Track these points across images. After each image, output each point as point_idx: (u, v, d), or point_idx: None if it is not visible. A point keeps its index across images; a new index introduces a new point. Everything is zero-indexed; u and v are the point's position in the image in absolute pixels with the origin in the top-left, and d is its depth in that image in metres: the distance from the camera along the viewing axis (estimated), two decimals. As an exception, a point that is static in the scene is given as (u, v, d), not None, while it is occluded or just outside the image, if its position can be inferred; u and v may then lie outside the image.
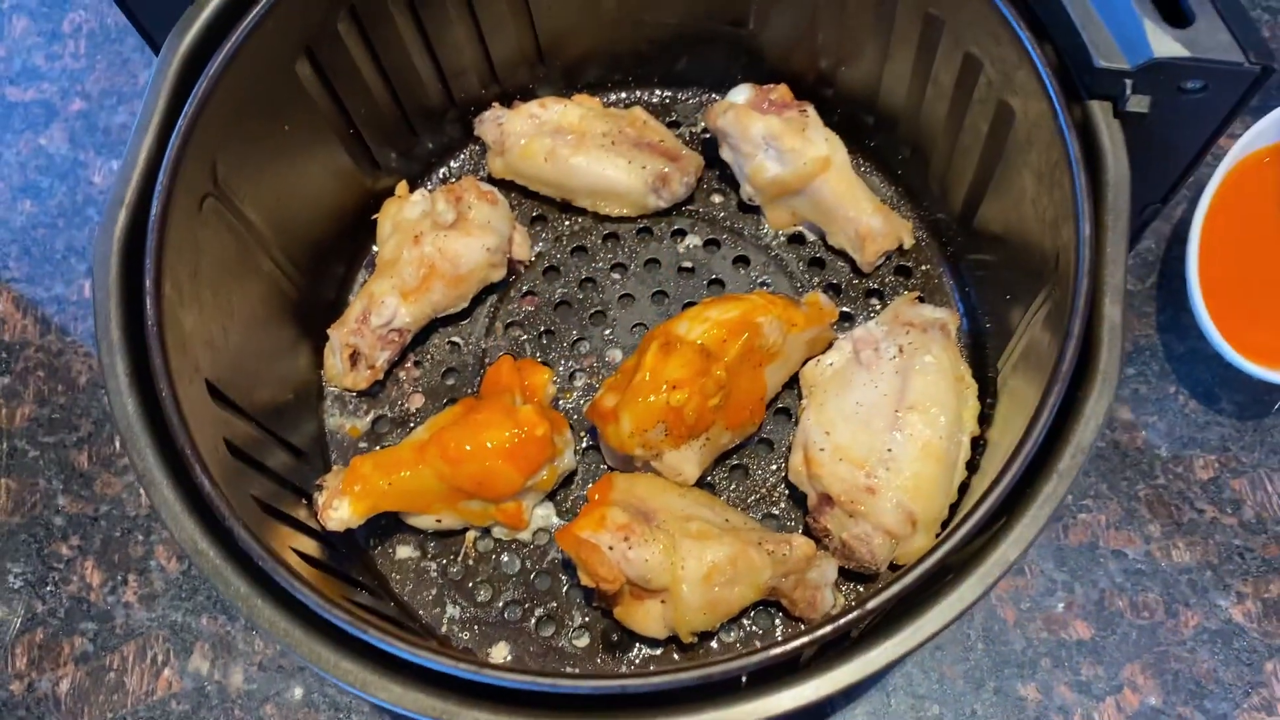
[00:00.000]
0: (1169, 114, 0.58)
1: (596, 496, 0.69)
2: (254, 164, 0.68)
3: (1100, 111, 0.58)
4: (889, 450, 0.68)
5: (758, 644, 0.69)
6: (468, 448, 0.68)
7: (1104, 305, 0.54)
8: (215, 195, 0.64)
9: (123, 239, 0.59)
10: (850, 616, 0.48)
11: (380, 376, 0.78)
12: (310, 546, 0.65)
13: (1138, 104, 0.57)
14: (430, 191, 0.80)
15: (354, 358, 0.76)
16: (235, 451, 0.62)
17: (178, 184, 0.60)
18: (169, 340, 0.57)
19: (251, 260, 0.70)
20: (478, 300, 0.81)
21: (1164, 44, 0.55)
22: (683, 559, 0.65)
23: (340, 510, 0.68)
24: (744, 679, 0.50)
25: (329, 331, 0.77)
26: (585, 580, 0.65)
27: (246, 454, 0.63)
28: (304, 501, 0.70)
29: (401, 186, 0.82)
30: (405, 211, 0.78)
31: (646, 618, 0.67)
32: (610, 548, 0.65)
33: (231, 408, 0.64)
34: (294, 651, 0.51)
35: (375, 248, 0.81)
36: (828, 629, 0.48)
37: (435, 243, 0.75)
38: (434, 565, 0.73)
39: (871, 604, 0.49)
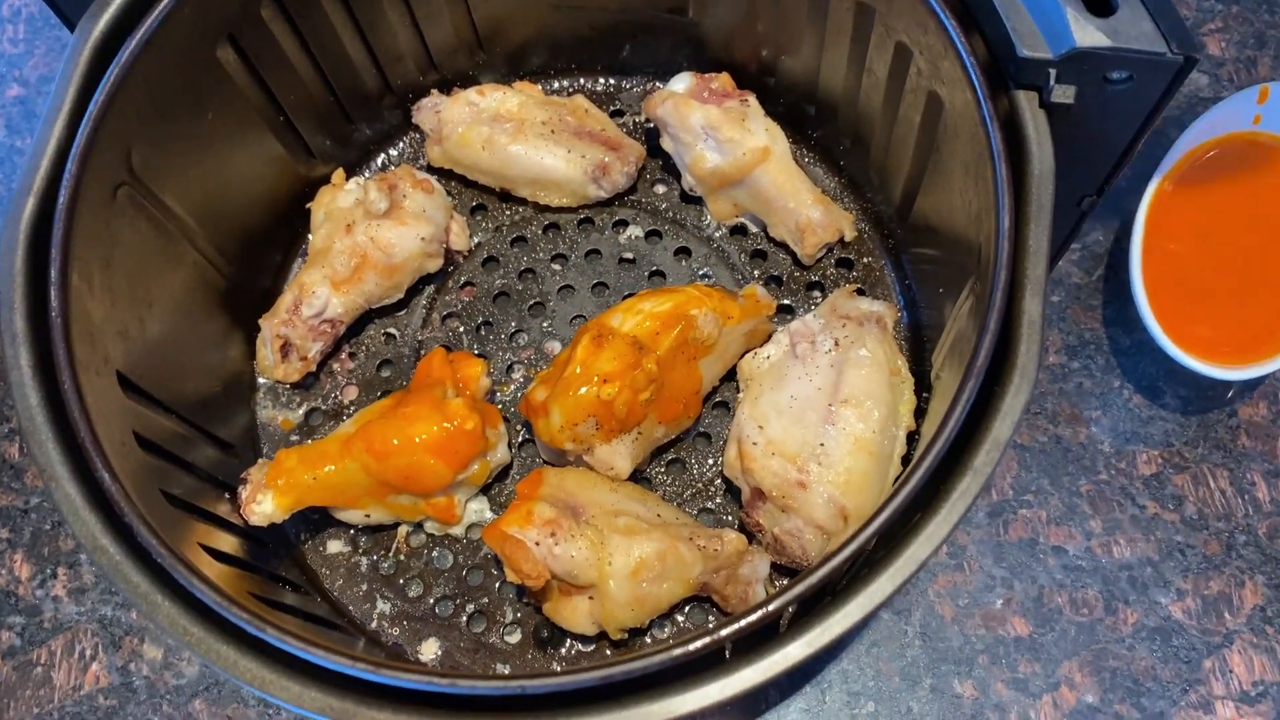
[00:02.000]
0: (1096, 105, 0.57)
1: (525, 492, 0.68)
2: (175, 152, 0.67)
3: (1026, 102, 0.57)
4: (821, 445, 0.67)
5: (690, 642, 0.69)
6: (394, 441, 0.67)
7: (1024, 299, 0.53)
8: (130, 184, 0.63)
9: (30, 228, 0.58)
10: (744, 621, 0.47)
11: (313, 368, 0.77)
12: (230, 543, 0.64)
13: (1063, 94, 0.56)
14: (365, 180, 0.79)
15: (285, 349, 0.75)
16: (148, 446, 0.60)
17: (88, 172, 0.59)
18: (75, 332, 0.56)
19: (174, 250, 0.69)
20: (414, 291, 0.79)
21: (1087, 33, 0.53)
22: (610, 554, 0.64)
23: (264, 505, 0.67)
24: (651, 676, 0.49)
25: (260, 322, 0.76)
26: (511, 577, 0.64)
27: (162, 448, 0.62)
28: (228, 496, 0.69)
29: (338, 175, 0.81)
30: (338, 200, 0.77)
31: (575, 614, 0.66)
32: (536, 543, 0.64)
33: (148, 400, 0.63)
34: (193, 651, 0.50)
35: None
36: (730, 629, 0.47)
37: (368, 232, 0.74)
38: (365, 560, 0.72)
39: (773, 605, 0.48)
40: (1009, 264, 0.53)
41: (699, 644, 0.48)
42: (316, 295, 0.74)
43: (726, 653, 0.51)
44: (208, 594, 0.50)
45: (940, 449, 0.51)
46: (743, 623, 0.48)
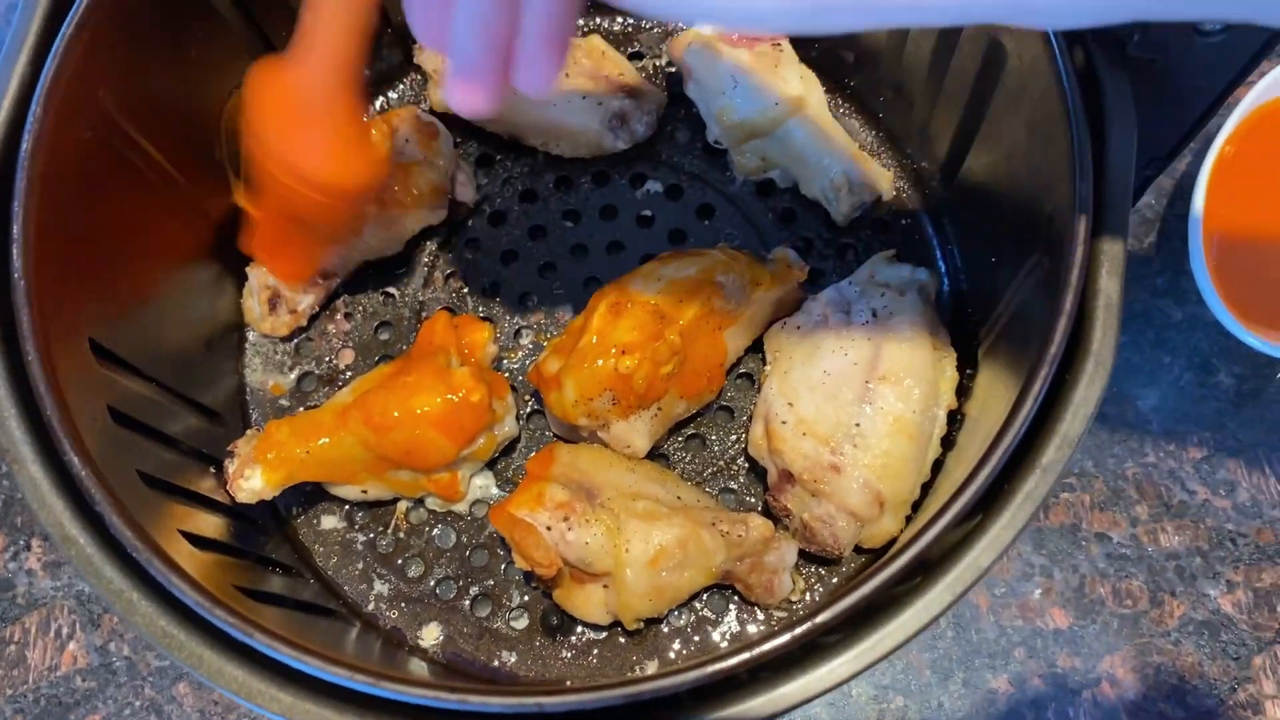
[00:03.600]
0: (1182, 60, 0.51)
1: (535, 470, 0.63)
2: (153, 92, 0.61)
3: (1105, 56, 0.51)
4: (857, 425, 0.62)
5: (710, 630, 0.64)
6: (395, 414, 0.62)
7: (1100, 278, 0.48)
8: (103, 126, 0.57)
9: (-11, 178, 0.52)
10: (793, 634, 0.43)
11: (303, 322, 0.71)
12: (213, 525, 0.59)
13: (1147, 48, 0.50)
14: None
15: (273, 301, 0.70)
16: (122, 419, 0.55)
17: (54, 115, 0.53)
18: (42, 295, 0.50)
19: (153, 199, 0.62)
20: (415, 245, 0.74)
21: (1183, -22, 0.47)
22: (627, 541, 0.59)
23: (252, 480, 0.62)
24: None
25: (247, 271, 0.70)
26: (520, 563, 0.60)
27: (138, 421, 0.57)
28: (213, 471, 0.63)
29: (332, 120, 0.74)
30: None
31: (587, 603, 0.62)
32: (548, 528, 0.59)
33: (124, 368, 0.58)
34: (172, 655, 0.45)
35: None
36: (767, 647, 0.43)
37: None
38: (361, 537, 0.67)
39: (821, 618, 0.43)
40: (1086, 238, 0.47)
41: (735, 660, 0.43)
42: None
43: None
44: (189, 594, 0.45)
45: (1008, 446, 0.45)
46: (787, 637, 0.43)
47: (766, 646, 0.43)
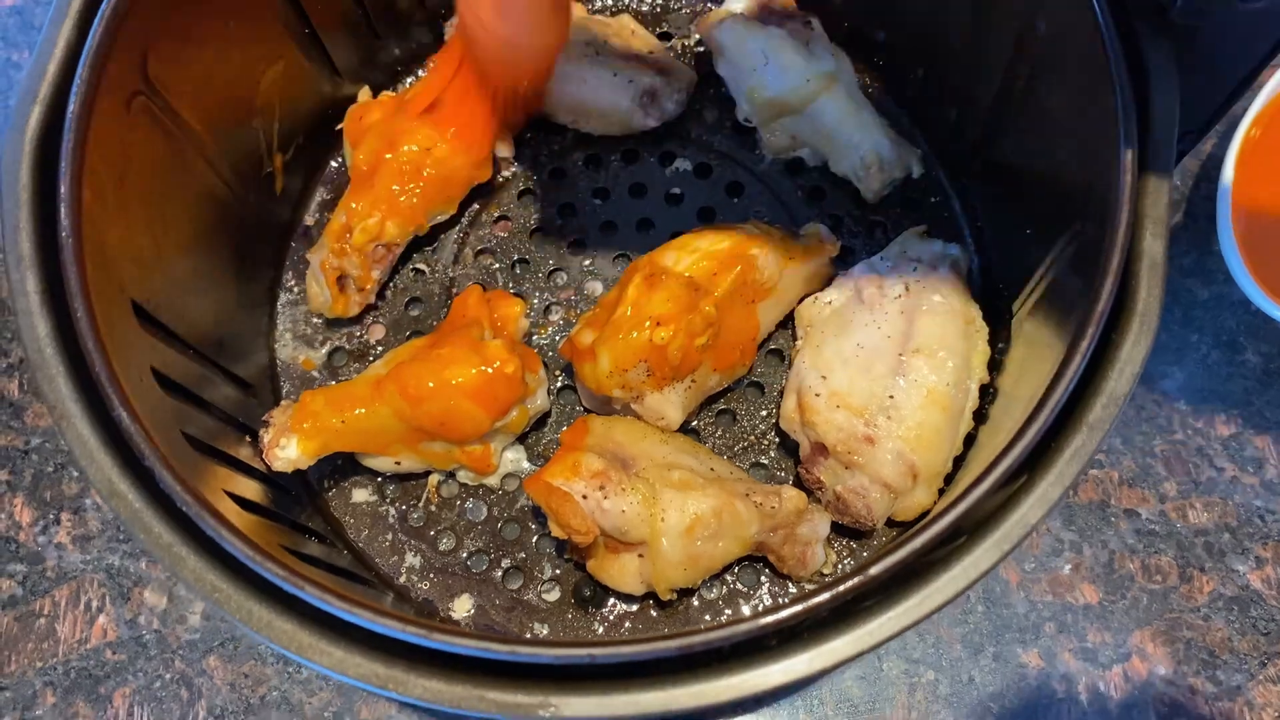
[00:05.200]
0: (1226, 28, 0.51)
1: (570, 441, 0.63)
2: (193, 62, 0.61)
3: (1147, 23, 0.51)
4: (891, 397, 0.62)
5: (741, 603, 0.64)
6: (430, 385, 0.62)
7: (1145, 239, 0.48)
8: (146, 93, 0.57)
9: (36, 140, 0.52)
10: (848, 585, 0.43)
11: (372, 299, 0.71)
12: (253, 490, 0.59)
13: (1190, 14, 0.50)
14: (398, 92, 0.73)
15: (341, 281, 0.70)
16: (166, 383, 0.55)
17: (102, 77, 0.53)
18: (88, 254, 0.51)
19: (190, 169, 0.63)
20: (445, 226, 0.74)
21: (1226, -57, 0.48)
22: (663, 510, 0.60)
23: (288, 450, 0.62)
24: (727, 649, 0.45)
25: (309, 256, 0.70)
26: (556, 532, 0.60)
27: (181, 386, 0.57)
28: (249, 439, 0.63)
29: (364, 92, 0.75)
30: (374, 114, 0.71)
31: (623, 573, 0.62)
32: (584, 497, 0.59)
33: (164, 333, 0.58)
34: (222, 609, 0.45)
35: (341, 160, 0.74)
36: (825, 596, 0.43)
37: (417, 143, 0.68)
38: (393, 510, 0.68)
39: (874, 569, 0.43)
40: (1132, 200, 0.48)
41: (788, 612, 0.43)
42: (370, 219, 0.68)
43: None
44: (239, 547, 0.45)
45: (1057, 402, 0.46)
46: (839, 589, 0.43)
47: (823, 597, 0.43)
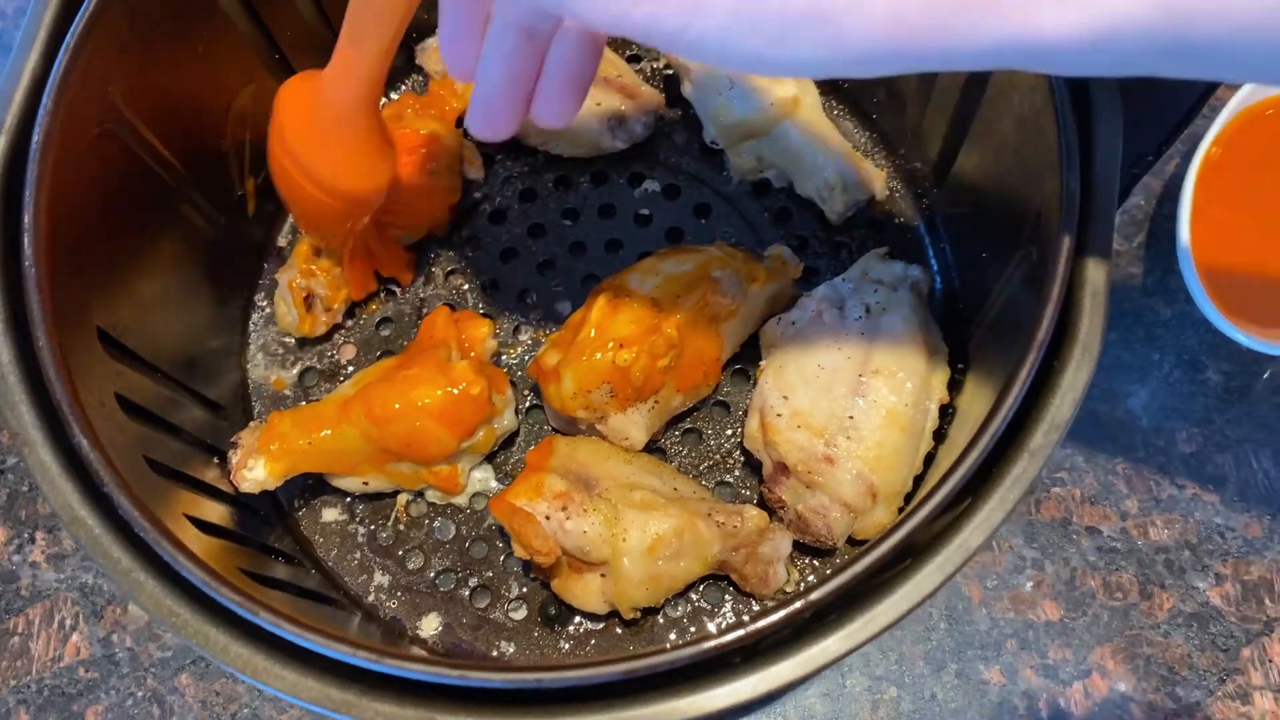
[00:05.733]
0: (1167, 56, 0.52)
1: (534, 462, 0.64)
2: (161, 88, 0.62)
3: (1092, 51, 0.52)
4: (850, 417, 0.63)
5: (706, 621, 0.65)
6: (396, 406, 0.63)
7: (1087, 267, 0.49)
8: (112, 121, 0.58)
9: (1, 168, 0.53)
10: (783, 613, 0.44)
11: (339, 319, 0.72)
12: (218, 512, 0.60)
13: (1133, 44, 0.51)
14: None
15: (308, 301, 0.71)
16: (130, 408, 0.56)
17: (66, 106, 0.54)
18: (52, 283, 0.51)
19: (160, 195, 0.63)
20: (416, 247, 0.75)
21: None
22: (624, 530, 0.60)
23: (255, 471, 0.63)
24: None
25: (277, 276, 0.71)
26: (519, 552, 0.61)
27: (147, 410, 0.58)
28: (217, 461, 0.64)
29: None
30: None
31: (585, 592, 0.63)
32: (547, 517, 0.60)
33: (131, 358, 0.59)
34: (178, 634, 0.46)
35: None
36: (761, 624, 0.44)
37: None
38: (362, 529, 0.68)
39: (815, 595, 0.44)
40: (1073, 229, 0.49)
41: (731, 637, 0.44)
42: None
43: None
44: (195, 572, 0.46)
45: (997, 429, 0.46)
46: (781, 614, 0.44)
47: (760, 624, 0.44)
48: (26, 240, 0.51)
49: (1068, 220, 0.48)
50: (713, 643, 0.44)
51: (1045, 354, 0.48)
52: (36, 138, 0.53)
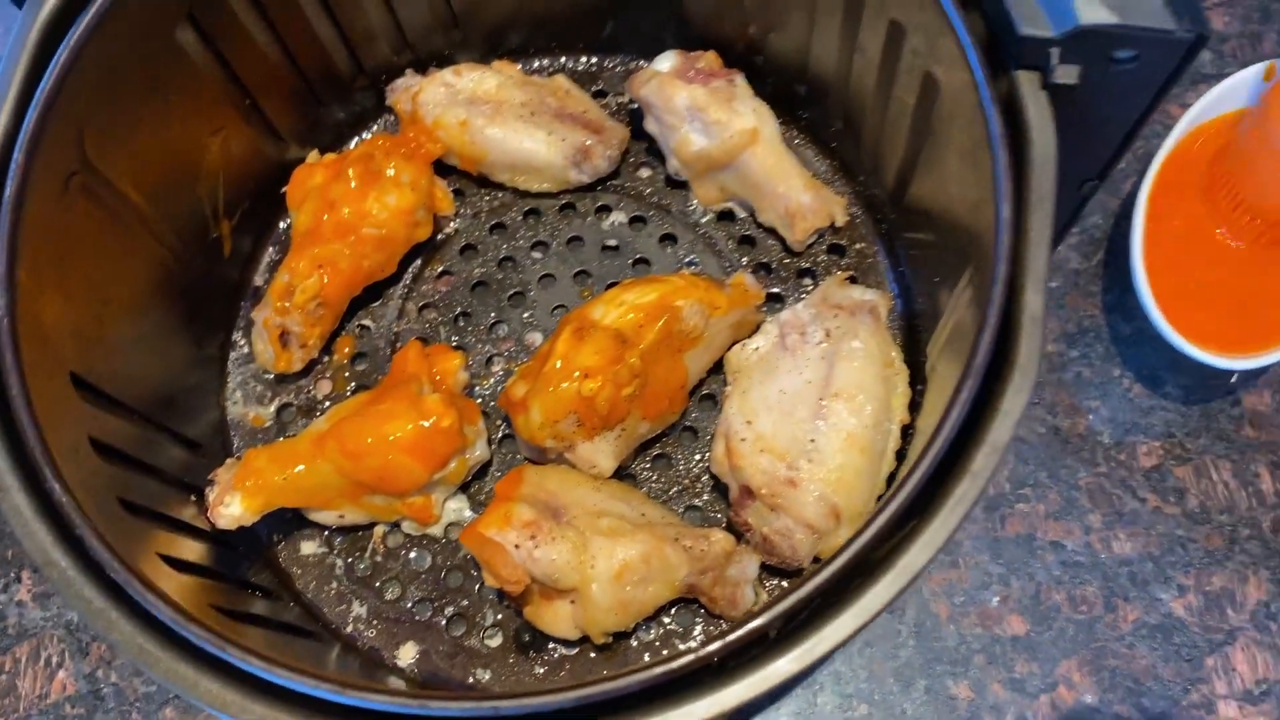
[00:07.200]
0: (1101, 85, 0.54)
1: (504, 491, 0.65)
2: (132, 139, 0.64)
3: (1027, 83, 0.54)
4: (812, 441, 0.64)
5: (677, 643, 0.66)
6: (368, 440, 0.64)
7: (1024, 293, 0.51)
8: (84, 172, 0.60)
9: (-26, 222, 0.55)
10: (736, 635, 0.45)
11: (315, 354, 0.74)
12: (195, 549, 0.62)
13: (1066, 75, 0.53)
14: (340, 153, 0.75)
15: (284, 338, 0.72)
16: (105, 451, 0.57)
17: (37, 160, 0.56)
18: (23, 333, 0.53)
19: (134, 242, 0.65)
20: (389, 282, 0.76)
21: (1092, 10, 0.50)
22: (592, 557, 0.62)
23: (232, 507, 0.64)
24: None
25: (253, 315, 0.73)
26: (490, 581, 0.62)
27: (121, 452, 0.59)
28: (194, 499, 0.66)
29: (312, 155, 0.77)
30: (316, 177, 0.74)
31: (556, 618, 0.64)
32: (516, 546, 0.61)
33: (106, 401, 0.60)
34: (150, 671, 0.48)
35: (287, 221, 0.77)
36: (711, 648, 0.45)
37: (354, 206, 0.71)
38: (340, 561, 0.70)
39: (760, 620, 0.45)
40: (1009, 255, 0.50)
41: (681, 663, 0.46)
42: (310, 278, 0.71)
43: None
44: (165, 611, 0.48)
45: (937, 453, 0.48)
46: (730, 638, 0.46)
47: (710, 648, 0.45)
48: (-1, 293, 0.53)
49: (1001, 248, 0.50)
50: (662, 668, 0.45)
51: (985, 377, 0.50)
52: (8, 192, 0.54)
